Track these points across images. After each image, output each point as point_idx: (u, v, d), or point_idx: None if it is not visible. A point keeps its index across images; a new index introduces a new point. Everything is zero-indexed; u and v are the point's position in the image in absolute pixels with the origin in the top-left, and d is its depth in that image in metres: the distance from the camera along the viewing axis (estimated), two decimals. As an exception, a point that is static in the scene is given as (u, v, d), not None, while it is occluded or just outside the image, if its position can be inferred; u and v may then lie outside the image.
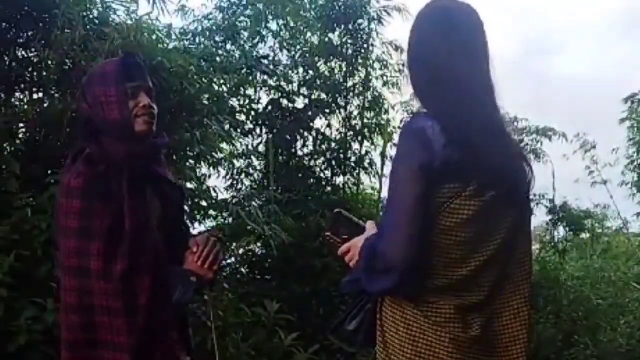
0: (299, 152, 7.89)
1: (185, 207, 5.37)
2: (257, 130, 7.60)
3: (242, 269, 7.04)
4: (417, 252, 1.63)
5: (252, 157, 7.60)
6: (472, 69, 1.74)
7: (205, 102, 5.41)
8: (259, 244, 6.81)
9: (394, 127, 8.49)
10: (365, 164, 8.02)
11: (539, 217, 8.86)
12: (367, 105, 7.99)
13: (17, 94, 4.81)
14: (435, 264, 1.67)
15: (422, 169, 1.63)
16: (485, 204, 1.67)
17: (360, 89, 7.96)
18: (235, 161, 7.16)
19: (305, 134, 7.82)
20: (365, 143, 8.03)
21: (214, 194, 5.88)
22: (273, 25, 7.57)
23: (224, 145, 6.07)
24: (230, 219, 6.26)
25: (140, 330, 1.88)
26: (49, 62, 4.46)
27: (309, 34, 7.92)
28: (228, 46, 7.16)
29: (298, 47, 7.85)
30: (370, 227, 1.87)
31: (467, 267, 1.68)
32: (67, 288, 1.91)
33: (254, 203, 6.07)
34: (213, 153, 5.68)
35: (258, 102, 7.62)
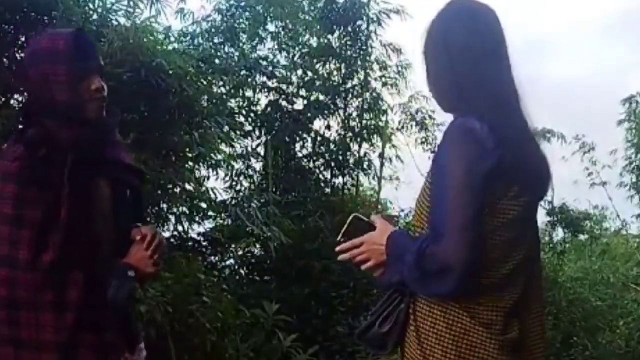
0: (298, 154, 7.91)
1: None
2: (257, 132, 7.62)
3: (242, 271, 7.05)
4: (478, 254, 1.62)
5: (252, 158, 7.61)
6: (505, 72, 1.75)
7: (205, 104, 5.41)
8: (258, 246, 6.82)
9: (393, 129, 8.53)
10: (365, 166, 8.04)
11: (538, 219, 8.85)
12: (366, 107, 8.00)
13: (16, 96, 4.81)
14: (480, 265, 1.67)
15: (481, 170, 1.62)
16: (525, 205, 1.70)
17: (360, 90, 7.97)
18: (234, 163, 7.15)
19: (305, 135, 7.83)
20: (365, 145, 8.07)
21: (213, 196, 5.89)
22: (272, 28, 7.60)
23: (223, 147, 6.07)
24: (229, 221, 6.26)
25: (69, 329, 1.75)
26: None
27: (308, 36, 7.94)
28: (227, 48, 7.17)
29: (297, 49, 7.86)
30: (382, 225, 1.82)
31: (506, 268, 1.69)
32: None
33: (253, 205, 6.07)
34: (212, 155, 5.68)
35: (257, 104, 7.65)
